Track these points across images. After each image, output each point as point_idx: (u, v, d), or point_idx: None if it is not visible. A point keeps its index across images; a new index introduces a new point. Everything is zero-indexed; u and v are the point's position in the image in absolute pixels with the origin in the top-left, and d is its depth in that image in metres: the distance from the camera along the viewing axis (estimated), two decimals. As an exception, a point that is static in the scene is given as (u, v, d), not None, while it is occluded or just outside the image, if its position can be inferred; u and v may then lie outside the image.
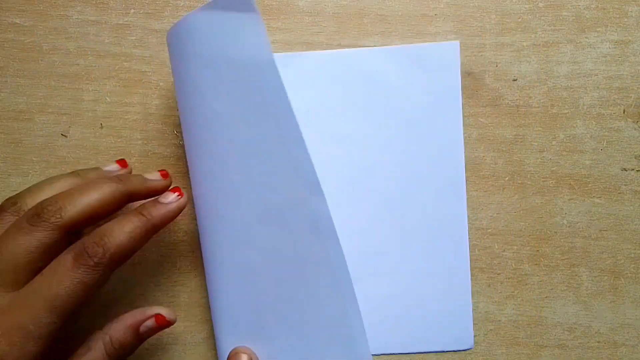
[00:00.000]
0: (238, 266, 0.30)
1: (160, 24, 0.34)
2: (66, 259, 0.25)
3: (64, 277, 0.24)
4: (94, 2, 0.34)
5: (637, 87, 0.34)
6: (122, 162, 0.32)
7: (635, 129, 0.34)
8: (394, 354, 0.32)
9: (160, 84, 0.34)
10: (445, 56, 0.33)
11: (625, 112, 0.34)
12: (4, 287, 0.25)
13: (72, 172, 0.30)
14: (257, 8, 0.28)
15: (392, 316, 0.32)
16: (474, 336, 0.33)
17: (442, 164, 0.33)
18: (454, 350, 0.32)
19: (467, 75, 0.34)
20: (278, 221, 0.29)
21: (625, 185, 0.33)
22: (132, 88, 0.34)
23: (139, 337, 0.28)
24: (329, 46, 0.34)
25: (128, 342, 0.27)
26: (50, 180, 0.29)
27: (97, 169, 0.31)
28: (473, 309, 0.33)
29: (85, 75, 0.34)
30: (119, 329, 0.27)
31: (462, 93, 0.34)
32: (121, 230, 0.26)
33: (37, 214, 0.25)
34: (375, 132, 0.33)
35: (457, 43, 0.33)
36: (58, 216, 0.25)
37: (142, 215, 0.27)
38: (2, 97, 0.34)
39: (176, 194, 0.29)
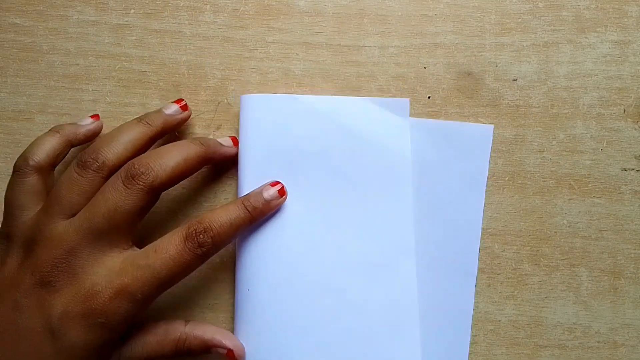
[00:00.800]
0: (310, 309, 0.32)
1: (160, 24, 0.34)
2: (177, 239, 0.28)
3: (175, 258, 0.27)
4: (94, 2, 0.34)
5: (637, 87, 0.34)
6: (183, 105, 0.32)
7: (635, 129, 0.34)
8: None
9: (160, 84, 0.34)
10: (477, 138, 0.33)
11: (625, 112, 0.34)
12: (115, 247, 0.28)
13: (139, 120, 0.31)
14: (408, 116, 0.33)
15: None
16: (474, 336, 0.33)
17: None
18: None
19: (467, 75, 0.34)
20: (368, 275, 0.32)
21: (625, 185, 0.33)
22: (132, 88, 0.34)
23: (206, 351, 0.30)
24: (329, 47, 0.34)
25: (195, 351, 0.30)
26: (123, 133, 0.30)
27: (159, 112, 0.32)
28: (473, 309, 0.33)
29: (85, 75, 0.34)
30: (196, 335, 0.30)
31: (462, 93, 0.34)
32: (227, 217, 0.29)
33: (132, 176, 0.28)
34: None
35: (491, 127, 0.33)
36: (151, 179, 0.28)
37: (247, 210, 0.30)
38: (2, 97, 0.34)
39: (277, 188, 0.31)
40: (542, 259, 0.33)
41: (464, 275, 0.33)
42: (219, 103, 0.34)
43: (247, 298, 0.31)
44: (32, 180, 0.29)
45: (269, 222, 0.32)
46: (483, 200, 0.33)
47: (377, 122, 0.33)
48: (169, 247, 0.27)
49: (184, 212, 0.34)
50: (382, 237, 0.32)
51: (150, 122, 0.31)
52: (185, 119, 0.32)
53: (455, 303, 0.33)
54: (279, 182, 0.32)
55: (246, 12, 0.34)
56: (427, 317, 0.32)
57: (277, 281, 0.31)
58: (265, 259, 0.31)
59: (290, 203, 0.32)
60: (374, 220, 0.32)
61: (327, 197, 0.32)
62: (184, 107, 0.32)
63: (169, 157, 0.29)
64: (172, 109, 0.32)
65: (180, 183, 0.30)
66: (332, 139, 0.33)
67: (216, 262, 0.33)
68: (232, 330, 0.32)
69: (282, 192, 0.31)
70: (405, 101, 0.33)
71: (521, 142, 0.34)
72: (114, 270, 0.27)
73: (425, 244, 0.33)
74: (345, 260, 0.32)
